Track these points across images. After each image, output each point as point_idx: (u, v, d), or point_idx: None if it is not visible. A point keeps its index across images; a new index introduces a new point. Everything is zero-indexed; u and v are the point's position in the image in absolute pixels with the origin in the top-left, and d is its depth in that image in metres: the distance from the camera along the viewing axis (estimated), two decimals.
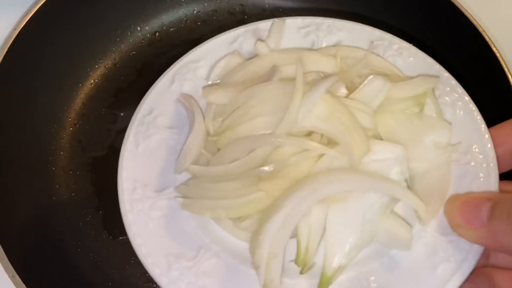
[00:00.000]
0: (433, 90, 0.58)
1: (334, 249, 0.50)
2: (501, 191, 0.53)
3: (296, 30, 0.64)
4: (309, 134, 0.54)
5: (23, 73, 0.74)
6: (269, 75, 0.57)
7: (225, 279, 0.51)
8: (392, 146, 0.52)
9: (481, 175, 0.53)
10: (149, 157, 0.57)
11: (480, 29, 0.69)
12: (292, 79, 0.54)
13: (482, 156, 0.54)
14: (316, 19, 0.64)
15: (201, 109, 0.58)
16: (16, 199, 0.69)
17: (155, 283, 0.68)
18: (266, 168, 0.51)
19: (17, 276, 0.60)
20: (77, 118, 0.78)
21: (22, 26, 0.72)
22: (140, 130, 0.58)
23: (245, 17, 0.84)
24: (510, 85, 0.66)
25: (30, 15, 0.73)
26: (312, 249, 0.50)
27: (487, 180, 0.53)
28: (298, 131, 0.53)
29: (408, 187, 0.53)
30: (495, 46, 0.68)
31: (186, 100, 0.59)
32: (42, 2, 0.74)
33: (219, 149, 0.55)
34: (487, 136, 0.55)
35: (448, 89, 0.58)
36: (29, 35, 0.73)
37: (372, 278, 0.51)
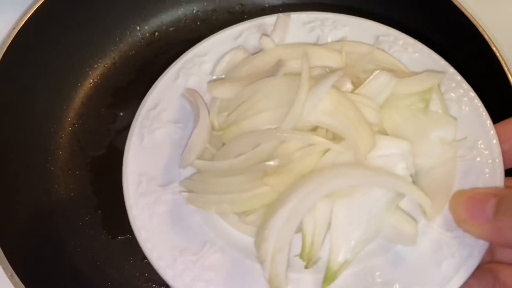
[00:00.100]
0: (438, 85, 0.58)
1: (340, 244, 0.51)
2: (506, 187, 0.54)
3: (301, 25, 0.64)
4: (314, 129, 0.54)
5: (22, 73, 0.75)
6: (274, 70, 0.57)
7: (230, 273, 0.52)
8: (398, 142, 0.53)
9: (487, 171, 0.54)
10: (154, 151, 0.58)
11: (480, 29, 0.70)
12: (297, 74, 0.55)
13: (487, 152, 0.55)
14: (321, 14, 0.65)
15: (206, 104, 0.59)
16: (15, 199, 0.70)
17: (155, 283, 0.69)
18: (271, 162, 0.52)
19: (15, 276, 0.60)
20: (76, 117, 0.79)
21: (21, 25, 0.73)
22: (145, 124, 0.59)
23: (245, 16, 0.85)
24: (510, 85, 0.67)
25: (29, 15, 0.73)
26: (317, 244, 0.51)
27: (493, 176, 0.54)
28: (303, 126, 0.54)
29: (414, 182, 0.54)
30: (495, 46, 0.69)
31: (191, 95, 0.60)
32: (41, 2, 0.74)
33: (224, 144, 0.56)
34: (492, 132, 0.56)
35: (454, 85, 0.59)
36: (28, 35, 0.74)
37: (377, 273, 0.52)
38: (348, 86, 0.56)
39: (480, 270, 0.52)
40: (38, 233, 0.70)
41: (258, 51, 0.63)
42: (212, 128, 0.58)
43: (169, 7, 0.86)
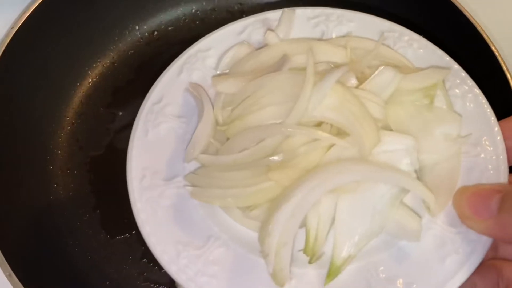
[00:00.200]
0: (443, 82, 0.59)
1: (344, 239, 0.52)
2: (510, 183, 0.55)
3: (306, 21, 0.65)
4: (319, 124, 0.55)
5: (21, 72, 0.75)
6: (279, 65, 0.58)
7: (233, 267, 0.53)
8: (402, 137, 0.54)
9: (491, 167, 0.55)
10: (158, 145, 0.59)
11: (479, 28, 0.71)
12: (302, 69, 0.55)
13: (491, 149, 0.56)
14: (326, 10, 0.65)
15: (210, 99, 0.60)
16: (13, 198, 0.70)
17: (153, 283, 0.70)
18: (275, 157, 0.53)
19: (14, 275, 0.61)
20: (75, 117, 0.80)
21: (19, 24, 0.73)
22: (149, 118, 0.60)
23: (244, 15, 0.85)
24: (509, 84, 0.68)
25: (28, 14, 0.74)
26: (321, 239, 0.52)
27: (497, 172, 0.55)
28: (308, 121, 0.54)
29: (418, 178, 0.54)
30: (494, 46, 0.70)
31: (195, 90, 0.60)
32: (40, 1, 0.75)
33: (228, 139, 0.57)
34: (497, 128, 0.57)
35: (458, 81, 0.60)
36: (27, 34, 0.74)
37: (381, 268, 0.52)
38: (353, 81, 0.56)
39: (484, 267, 0.52)
40: (37, 233, 0.71)
41: (262, 46, 0.64)
42: (217, 122, 0.59)
43: (168, 6, 0.87)
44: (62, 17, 0.79)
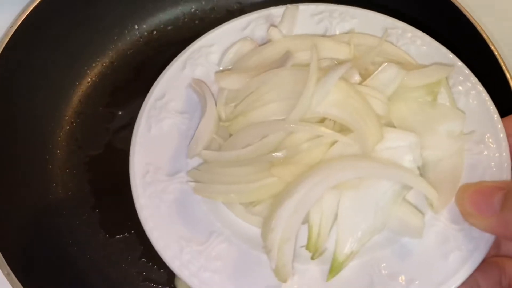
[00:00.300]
0: (446, 79, 0.60)
1: (346, 235, 0.53)
2: None
3: (309, 17, 0.66)
4: (322, 120, 0.56)
5: (20, 71, 0.76)
6: (282, 61, 0.59)
7: (236, 263, 0.54)
8: (405, 134, 0.55)
9: (494, 164, 0.56)
10: (161, 141, 0.59)
11: (478, 28, 0.72)
12: (306, 65, 0.56)
13: (494, 146, 0.57)
14: (330, 6, 0.66)
15: (213, 95, 0.61)
16: (12, 197, 0.71)
17: (152, 282, 0.71)
18: (278, 154, 0.54)
19: (12, 274, 0.62)
20: (74, 116, 0.81)
21: (19, 23, 0.74)
22: (153, 114, 0.60)
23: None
24: (509, 84, 0.69)
25: (28, 13, 0.75)
26: (324, 235, 0.53)
27: (500, 169, 0.56)
28: (311, 117, 0.55)
29: (421, 175, 0.55)
30: (493, 45, 0.71)
31: (198, 85, 0.61)
32: (39, 0, 0.75)
33: (231, 135, 0.58)
34: (500, 125, 0.58)
35: (462, 78, 0.61)
36: (26, 33, 0.75)
37: (383, 264, 0.53)
38: (357, 78, 0.57)
39: (486, 264, 0.53)
40: (36, 232, 0.72)
41: (265, 42, 0.64)
42: (219, 118, 0.60)
43: (167, 6, 0.88)
44: (61, 17, 0.80)
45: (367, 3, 0.68)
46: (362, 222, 0.53)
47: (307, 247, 0.53)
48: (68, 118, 0.81)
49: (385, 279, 0.53)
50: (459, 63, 0.62)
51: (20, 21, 0.74)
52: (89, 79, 0.84)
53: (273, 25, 0.65)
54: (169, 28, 0.88)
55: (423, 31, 0.66)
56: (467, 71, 0.62)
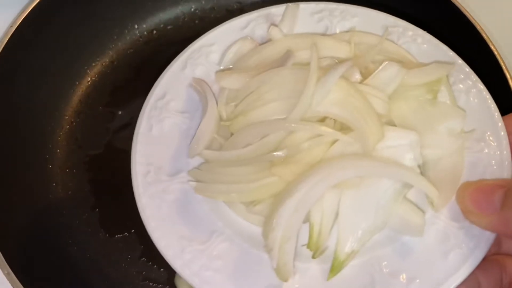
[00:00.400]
0: (447, 77, 0.61)
1: (347, 234, 0.53)
2: None
3: (310, 16, 0.67)
4: (322, 119, 0.56)
5: (20, 71, 0.77)
6: (282, 60, 0.59)
7: (237, 262, 0.55)
8: (406, 133, 0.55)
9: (494, 162, 0.57)
10: (162, 141, 0.60)
11: (478, 28, 0.73)
12: (306, 64, 0.57)
13: (495, 144, 0.58)
14: (330, 5, 0.67)
15: (213, 94, 0.61)
16: (12, 197, 0.72)
17: (152, 281, 0.72)
18: (279, 153, 0.54)
19: (12, 274, 0.63)
20: (74, 116, 0.82)
21: (18, 23, 0.75)
22: (153, 114, 0.61)
23: None
24: (508, 84, 0.70)
25: (27, 12, 0.76)
26: (325, 234, 0.54)
27: (500, 167, 0.56)
28: (312, 116, 0.56)
29: (421, 173, 0.56)
30: (493, 45, 0.72)
31: (199, 85, 0.62)
32: (38, 0, 0.76)
33: (232, 134, 0.59)
34: (500, 123, 0.58)
35: (462, 76, 0.62)
36: (26, 33, 0.76)
37: (384, 263, 0.54)
38: (357, 76, 0.58)
39: (487, 262, 0.54)
40: (36, 231, 0.73)
41: (265, 41, 0.65)
42: (220, 118, 0.60)
43: (167, 5, 0.89)
44: (61, 16, 0.81)
45: (368, 2, 0.69)
46: (363, 221, 0.54)
47: (308, 246, 0.54)
48: (68, 117, 0.82)
49: (386, 277, 0.54)
50: (460, 61, 0.63)
51: (20, 21, 0.75)
52: (89, 79, 0.85)
53: (273, 24, 0.65)
54: (169, 27, 0.89)
55: (424, 30, 0.66)
56: (467, 69, 0.62)
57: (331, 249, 0.55)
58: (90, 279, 0.73)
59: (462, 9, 0.74)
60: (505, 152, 0.58)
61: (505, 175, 0.57)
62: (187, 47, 0.66)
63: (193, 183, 0.58)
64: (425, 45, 0.65)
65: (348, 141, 0.55)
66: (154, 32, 0.89)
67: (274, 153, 0.55)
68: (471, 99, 0.61)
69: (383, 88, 0.58)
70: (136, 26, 0.89)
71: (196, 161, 0.60)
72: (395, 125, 0.58)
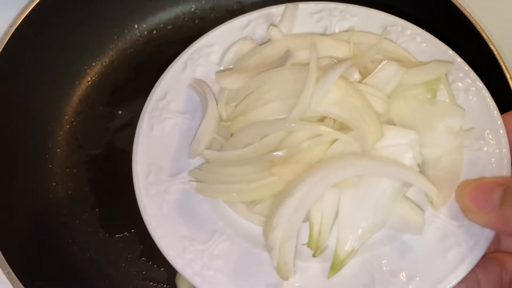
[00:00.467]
0: (446, 76, 0.61)
1: (347, 233, 0.54)
2: None
3: (309, 15, 0.67)
4: (322, 119, 0.57)
5: (20, 71, 0.78)
6: (282, 60, 0.60)
7: (238, 261, 0.56)
8: (405, 132, 0.56)
9: (493, 160, 0.57)
10: (163, 141, 0.61)
11: (478, 27, 0.73)
12: (306, 64, 0.58)
13: (494, 142, 0.58)
14: (329, 4, 0.68)
15: (214, 95, 0.62)
16: (12, 197, 0.73)
17: (152, 281, 0.73)
18: (279, 153, 0.55)
19: (12, 273, 0.64)
20: (74, 115, 0.83)
21: (18, 23, 0.76)
22: (154, 114, 0.62)
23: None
24: (508, 84, 0.70)
25: (27, 12, 0.77)
26: (325, 233, 0.54)
27: (499, 165, 0.57)
28: (311, 116, 0.57)
29: (421, 172, 0.56)
30: (493, 45, 0.72)
31: (199, 86, 0.63)
32: (39, 0, 0.77)
33: (232, 134, 0.59)
34: (499, 122, 0.59)
35: (461, 75, 0.62)
36: (26, 33, 0.77)
37: (384, 261, 0.55)
38: (356, 76, 0.59)
39: (486, 260, 0.55)
40: (36, 231, 0.74)
41: (265, 42, 0.66)
42: (221, 118, 0.61)
43: (167, 5, 0.90)
44: (61, 16, 0.82)
45: (369, 2, 0.70)
46: (363, 219, 0.55)
47: (309, 245, 0.55)
48: (68, 117, 0.83)
49: (386, 276, 0.54)
50: (459, 59, 0.64)
51: (20, 21, 0.76)
52: (89, 79, 0.86)
53: (273, 25, 0.66)
54: (169, 27, 0.90)
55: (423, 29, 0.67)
56: (466, 67, 0.63)
57: (331, 248, 0.56)
58: (90, 278, 0.74)
59: (462, 9, 0.75)
60: (504, 150, 0.58)
61: (505, 173, 0.57)
62: (188, 47, 0.67)
63: (194, 183, 0.59)
64: (424, 44, 0.65)
65: (348, 140, 0.55)
66: (154, 32, 0.90)
67: (274, 153, 0.56)
68: (470, 97, 0.62)
69: (382, 87, 0.59)
70: (136, 26, 0.90)
71: (197, 161, 0.61)
72: (394, 124, 0.59)
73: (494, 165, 0.58)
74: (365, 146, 0.55)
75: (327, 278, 0.55)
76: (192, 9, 0.92)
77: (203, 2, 0.92)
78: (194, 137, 0.61)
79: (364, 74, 0.60)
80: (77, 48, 0.85)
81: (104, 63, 0.88)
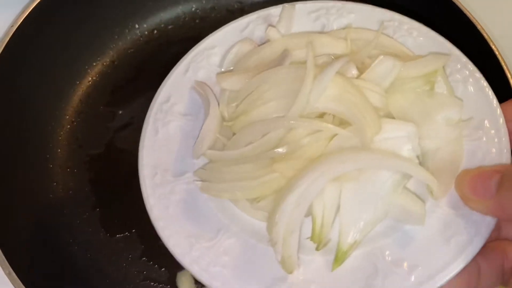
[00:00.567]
0: (443, 68, 0.63)
1: (349, 226, 0.56)
2: None
3: (306, 15, 0.69)
4: (321, 115, 0.59)
5: (21, 70, 0.81)
6: (280, 60, 0.62)
7: (244, 257, 0.58)
8: (403, 124, 0.58)
9: (493, 150, 0.59)
10: (167, 143, 0.64)
11: (479, 27, 0.75)
12: (303, 63, 0.59)
13: (493, 131, 0.60)
14: (327, 3, 0.70)
15: (215, 96, 0.65)
16: (13, 197, 0.76)
17: (153, 281, 0.76)
18: (280, 149, 0.57)
19: (13, 273, 0.66)
20: (75, 115, 0.86)
21: (19, 23, 0.79)
22: (159, 117, 0.65)
23: (243, 14, 0.85)
24: (509, 84, 0.72)
25: (28, 12, 0.79)
26: (327, 226, 0.56)
27: (499, 154, 0.59)
28: (311, 112, 0.58)
29: (420, 163, 0.58)
30: (494, 45, 0.74)
31: (201, 88, 0.65)
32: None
33: (234, 134, 0.62)
34: (499, 111, 0.60)
35: (459, 66, 0.64)
36: (26, 32, 0.79)
37: (387, 252, 0.57)
38: (354, 72, 0.61)
39: (488, 248, 0.56)
40: (36, 231, 0.77)
41: (264, 42, 0.68)
42: (222, 119, 0.64)
43: (168, 5, 0.92)
44: (62, 16, 0.84)
45: (371, 2, 0.71)
46: (364, 212, 0.57)
47: (312, 238, 0.57)
48: (69, 117, 0.86)
49: (388, 266, 0.56)
50: (457, 51, 0.65)
51: (21, 21, 0.79)
52: (90, 78, 0.89)
53: (271, 25, 0.69)
54: (169, 27, 0.93)
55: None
56: (464, 59, 0.64)
57: (334, 241, 0.58)
58: (90, 278, 0.77)
59: (463, 9, 0.76)
60: (503, 139, 0.60)
61: (504, 162, 0.58)
62: (190, 50, 0.69)
63: (199, 183, 0.61)
64: (421, 38, 0.67)
65: (347, 135, 0.57)
66: (155, 31, 0.93)
67: (275, 150, 0.58)
68: (469, 88, 0.63)
69: (379, 82, 0.60)
70: (136, 26, 0.92)
71: (201, 161, 0.63)
72: (393, 118, 0.60)
73: (493, 154, 0.59)
74: (364, 140, 0.57)
75: (331, 271, 0.57)
76: (193, 9, 0.94)
77: (204, 2, 0.94)
78: (198, 137, 0.64)
79: (362, 70, 0.61)
80: (77, 47, 0.87)
81: (104, 63, 0.90)
